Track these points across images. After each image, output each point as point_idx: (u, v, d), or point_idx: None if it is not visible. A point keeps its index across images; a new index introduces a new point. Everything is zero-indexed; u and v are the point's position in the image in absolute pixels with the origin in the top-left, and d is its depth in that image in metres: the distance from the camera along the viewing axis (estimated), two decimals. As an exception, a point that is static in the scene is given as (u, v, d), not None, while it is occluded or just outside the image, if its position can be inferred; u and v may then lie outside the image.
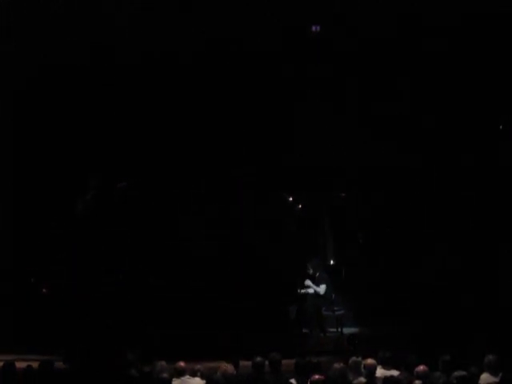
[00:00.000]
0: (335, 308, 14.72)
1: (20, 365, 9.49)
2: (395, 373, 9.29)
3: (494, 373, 9.18)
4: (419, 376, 8.74)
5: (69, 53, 14.30)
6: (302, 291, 14.67)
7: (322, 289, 14.61)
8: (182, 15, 14.29)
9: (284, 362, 9.73)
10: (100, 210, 14.05)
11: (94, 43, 14.40)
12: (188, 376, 9.34)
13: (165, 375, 8.97)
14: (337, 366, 9.09)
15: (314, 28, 14.95)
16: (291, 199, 15.95)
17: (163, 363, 9.53)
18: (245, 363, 10.17)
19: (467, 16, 14.14)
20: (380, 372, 9.35)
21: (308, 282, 14.66)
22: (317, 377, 8.53)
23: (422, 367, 8.91)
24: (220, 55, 14.82)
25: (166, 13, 14.25)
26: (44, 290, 14.71)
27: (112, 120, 14.83)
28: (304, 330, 14.63)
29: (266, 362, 9.52)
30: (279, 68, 14.89)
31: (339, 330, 14.64)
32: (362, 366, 9.28)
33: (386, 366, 9.56)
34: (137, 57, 14.52)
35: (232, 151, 15.15)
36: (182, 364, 9.43)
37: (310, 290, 14.65)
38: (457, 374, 8.54)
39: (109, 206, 14.16)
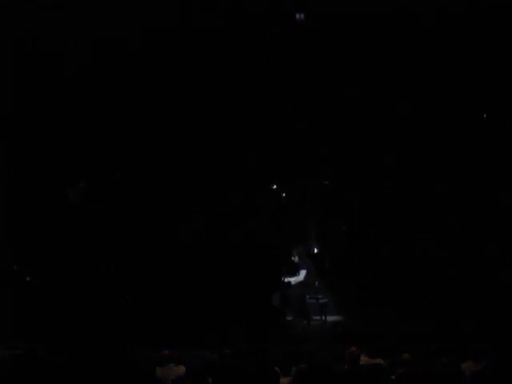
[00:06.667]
0: (319, 296, 14.76)
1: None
2: (380, 361, 9.29)
3: (477, 360, 9.22)
4: (404, 363, 8.76)
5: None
6: (286, 280, 14.72)
7: (301, 274, 14.67)
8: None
9: (268, 349, 9.71)
10: (93, 200, 14.00)
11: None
12: (172, 364, 9.30)
13: (148, 363, 8.94)
14: (321, 353, 9.10)
15: (298, 16, 14.94)
16: (275, 187, 15.95)
17: (146, 351, 9.50)
18: (229, 351, 10.16)
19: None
20: (364, 360, 9.35)
21: (289, 279, 14.75)
22: (302, 365, 8.51)
23: (406, 355, 8.95)
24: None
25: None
26: (28, 278, 14.65)
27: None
28: (288, 318, 14.66)
29: (251, 350, 9.52)
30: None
31: (323, 317, 14.67)
32: (346, 353, 9.27)
33: (371, 354, 9.55)
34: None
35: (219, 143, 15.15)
36: (166, 352, 9.39)
37: (293, 279, 14.71)
38: (442, 361, 8.57)
39: (102, 197, 14.12)
